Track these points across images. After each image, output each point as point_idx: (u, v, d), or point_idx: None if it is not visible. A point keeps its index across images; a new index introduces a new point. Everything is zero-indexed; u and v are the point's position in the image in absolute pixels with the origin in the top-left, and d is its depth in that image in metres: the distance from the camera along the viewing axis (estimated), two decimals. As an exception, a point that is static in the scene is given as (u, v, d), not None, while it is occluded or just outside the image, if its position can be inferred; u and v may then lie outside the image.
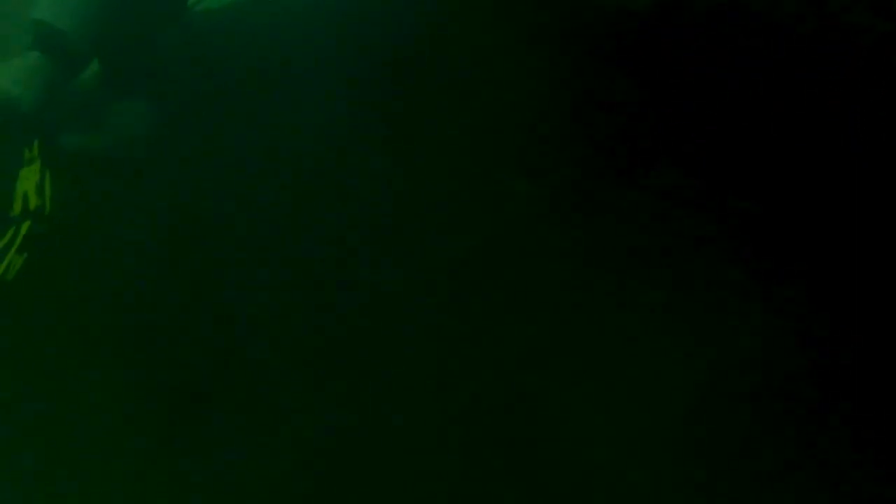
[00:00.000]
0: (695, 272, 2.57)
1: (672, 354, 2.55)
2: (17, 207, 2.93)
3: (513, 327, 2.77)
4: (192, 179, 3.21)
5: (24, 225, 2.90)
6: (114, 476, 3.04)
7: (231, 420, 3.00)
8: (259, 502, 2.87)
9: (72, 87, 3.29)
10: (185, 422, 3.04)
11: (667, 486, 2.49)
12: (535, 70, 2.85)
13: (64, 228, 2.98)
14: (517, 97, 2.87)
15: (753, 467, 2.40)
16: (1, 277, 2.83)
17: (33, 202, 2.93)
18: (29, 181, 2.96)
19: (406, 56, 3.06)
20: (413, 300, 2.92)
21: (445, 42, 3.02)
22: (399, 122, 3.05)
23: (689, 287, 2.57)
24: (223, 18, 3.41)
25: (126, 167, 3.19)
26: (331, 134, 3.08)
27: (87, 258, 3.17)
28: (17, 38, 3.22)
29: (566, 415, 2.63)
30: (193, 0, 3.39)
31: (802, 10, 2.52)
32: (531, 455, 2.64)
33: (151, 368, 3.09)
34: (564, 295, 2.73)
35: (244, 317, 3.03)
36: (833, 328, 2.40)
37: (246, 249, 3.09)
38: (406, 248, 2.95)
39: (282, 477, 2.89)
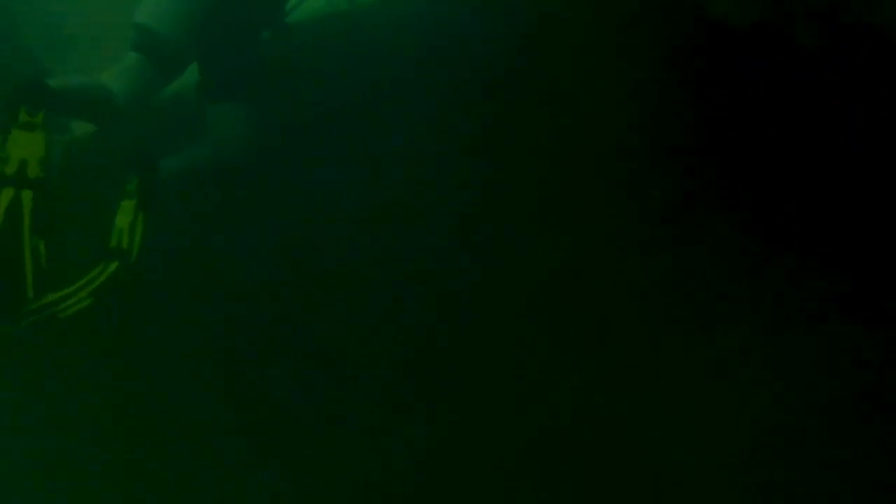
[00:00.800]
0: (784, 299, 2.46)
1: (758, 379, 2.48)
2: (114, 241, 2.98)
3: (599, 342, 2.71)
4: (289, 187, 3.24)
5: (112, 265, 2.94)
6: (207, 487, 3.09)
7: (321, 431, 3.01)
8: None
9: (171, 93, 3.37)
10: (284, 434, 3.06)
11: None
12: (630, 84, 2.79)
13: (144, 283, 3.00)
14: (610, 111, 2.81)
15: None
16: (56, 314, 2.85)
17: (125, 241, 2.96)
18: (125, 217, 3.00)
19: (502, 68, 3.02)
20: (499, 311, 2.88)
21: (541, 54, 2.97)
22: (495, 133, 3.03)
23: (779, 313, 2.47)
24: (320, 26, 3.44)
25: (225, 180, 3.22)
26: (427, 141, 3.07)
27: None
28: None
29: (652, 432, 2.57)
30: (292, 5, 3.40)
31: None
32: (615, 470, 2.57)
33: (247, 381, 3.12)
34: (650, 311, 2.66)
35: (337, 330, 3.03)
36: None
37: (342, 260, 3.09)
38: (496, 258, 2.93)
39: (372, 487, 2.86)
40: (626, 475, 2.59)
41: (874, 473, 2.28)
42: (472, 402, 2.86)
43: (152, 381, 3.26)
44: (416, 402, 2.95)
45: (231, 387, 3.16)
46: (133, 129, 3.34)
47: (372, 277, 3.07)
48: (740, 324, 2.53)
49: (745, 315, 2.53)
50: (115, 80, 3.15)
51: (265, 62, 3.31)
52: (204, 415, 3.16)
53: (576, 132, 2.87)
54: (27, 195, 2.83)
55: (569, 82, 2.90)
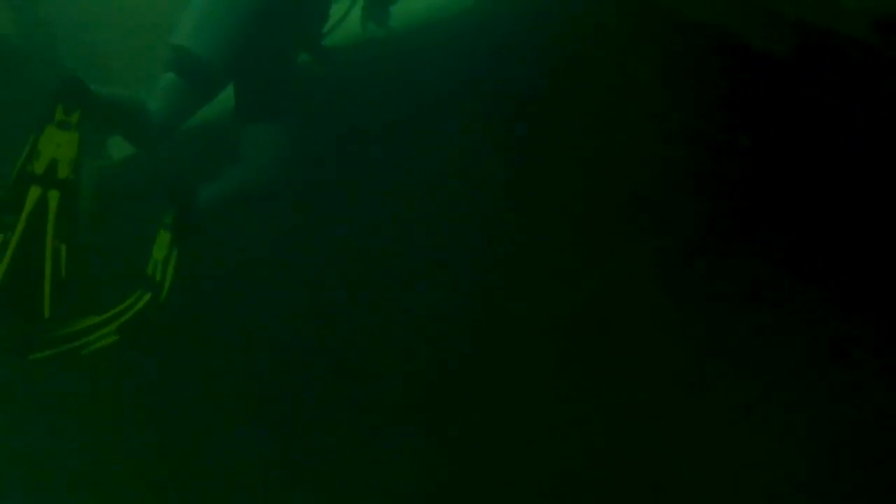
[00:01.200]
0: (808, 339, 2.38)
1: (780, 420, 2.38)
2: (150, 270, 2.93)
3: (619, 379, 2.63)
4: (323, 210, 3.19)
5: (144, 298, 2.88)
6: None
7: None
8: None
9: (205, 117, 3.35)
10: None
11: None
12: (668, 115, 2.75)
13: (169, 324, 2.94)
14: (646, 146, 2.77)
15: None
16: (79, 349, 2.77)
17: (159, 275, 2.91)
18: (161, 250, 2.95)
19: (533, 98, 3.01)
20: (523, 344, 2.81)
21: (572, 86, 2.96)
22: (525, 162, 2.99)
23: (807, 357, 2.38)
24: (355, 50, 3.44)
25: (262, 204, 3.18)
26: (456, 167, 3.04)
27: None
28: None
29: (670, 470, 2.47)
30: (328, 28, 3.41)
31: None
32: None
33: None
34: (674, 352, 2.58)
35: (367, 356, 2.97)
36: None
37: (374, 283, 3.04)
38: (519, 294, 2.86)
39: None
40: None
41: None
42: (488, 435, 2.79)
43: (181, 407, 3.18)
44: (434, 433, 2.87)
45: (262, 414, 3.09)
46: (169, 157, 3.33)
47: (404, 304, 2.99)
48: (762, 364, 2.44)
49: (768, 356, 2.44)
50: (151, 98, 3.14)
51: (302, 84, 3.30)
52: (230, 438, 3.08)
53: (604, 164, 2.83)
54: (54, 196, 2.78)
55: (600, 113, 2.87)
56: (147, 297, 2.88)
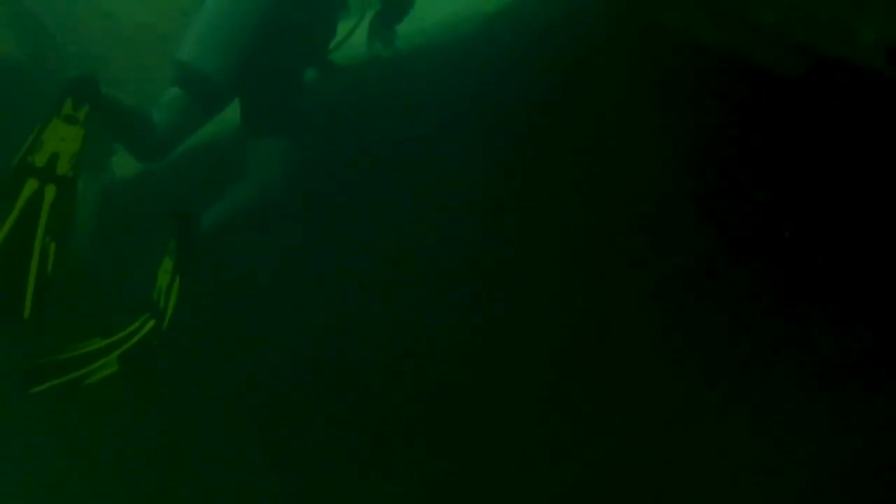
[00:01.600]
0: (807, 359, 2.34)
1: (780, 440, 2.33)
2: (155, 295, 2.91)
3: (620, 401, 2.58)
4: (330, 224, 3.16)
5: (150, 324, 2.85)
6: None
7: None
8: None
9: (214, 132, 3.36)
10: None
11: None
12: (671, 136, 2.74)
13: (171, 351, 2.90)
14: (647, 166, 2.75)
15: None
16: (80, 380, 2.72)
17: (162, 301, 2.88)
18: (165, 277, 2.92)
19: (535, 121, 3.01)
20: (523, 364, 2.75)
21: (577, 108, 2.97)
22: (526, 185, 2.98)
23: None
24: (364, 64, 3.47)
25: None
26: (460, 189, 3.03)
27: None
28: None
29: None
30: (334, 44, 3.44)
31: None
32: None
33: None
34: (674, 376, 2.52)
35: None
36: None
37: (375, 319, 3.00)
38: (521, 314, 2.81)
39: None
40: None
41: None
42: (488, 450, 2.76)
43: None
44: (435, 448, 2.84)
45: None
46: (174, 175, 3.31)
47: (409, 321, 2.96)
48: (763, 383, 2.39)
49: (768, 375, 2.39)
50: (157, 111, 3.14)
51: (308, 101, 3.32)
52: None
53: (608, 187, 2.82)
54: (51, 190, 2.74)
55: (605, 135, 2.86)
56: (151, 323, 2.85)
